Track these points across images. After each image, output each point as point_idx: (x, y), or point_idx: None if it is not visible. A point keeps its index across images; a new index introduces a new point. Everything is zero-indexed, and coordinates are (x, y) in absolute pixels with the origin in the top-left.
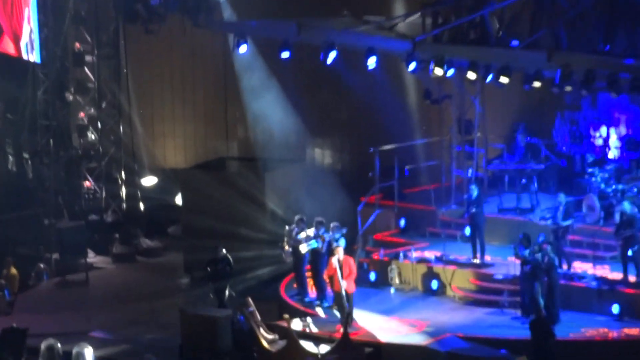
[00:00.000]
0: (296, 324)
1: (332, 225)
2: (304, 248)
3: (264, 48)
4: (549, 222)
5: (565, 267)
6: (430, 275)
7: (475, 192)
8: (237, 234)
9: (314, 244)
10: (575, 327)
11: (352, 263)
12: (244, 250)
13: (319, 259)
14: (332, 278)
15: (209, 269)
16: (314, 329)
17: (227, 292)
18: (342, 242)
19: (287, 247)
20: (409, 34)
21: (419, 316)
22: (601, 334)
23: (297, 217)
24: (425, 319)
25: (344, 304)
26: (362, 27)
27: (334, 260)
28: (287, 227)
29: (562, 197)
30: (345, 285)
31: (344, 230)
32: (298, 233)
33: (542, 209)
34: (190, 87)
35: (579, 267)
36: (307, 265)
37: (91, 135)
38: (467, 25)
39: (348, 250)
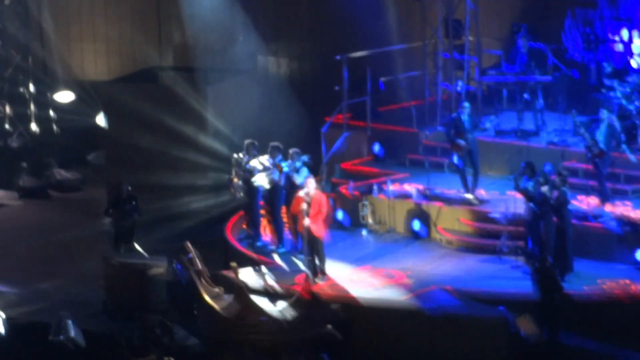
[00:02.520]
0: (246, 275)
1: (290, 151)
2: (261, 179)
3: None
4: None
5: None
6: (411, 214)
7: (467, 110)
8: (173, 162)
9: (271, 174)
10: (590, 279)
11: (323, 200)
12: (181, 182)
13: (276, 193)
14: (297, 217)
15: (110, 211)
16: (269, 281)
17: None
18: (304, 173)
19: (236, 180)
20: None
21: (397, 265)
22: (622, 287)
23: (247, 142)
24: (405, 269)
25: (309, 250)
26: None
27: (303, 195)
28: (235, 155)
29: (604, 114)
30: (308, 225)
31: (306, 158)
32: (248, 162)
33: (548, 132)
34: None
35: (594, 203)
36: (260, 201)
37: None
38: None
39: None
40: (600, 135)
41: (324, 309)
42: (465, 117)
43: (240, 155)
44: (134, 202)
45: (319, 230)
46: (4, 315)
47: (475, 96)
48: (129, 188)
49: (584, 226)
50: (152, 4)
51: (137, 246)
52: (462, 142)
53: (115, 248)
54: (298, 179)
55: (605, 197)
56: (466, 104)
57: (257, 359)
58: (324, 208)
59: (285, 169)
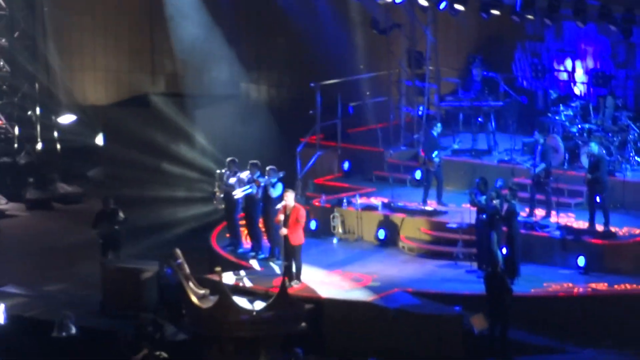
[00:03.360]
0: (229, 278)
1: (268, 168)
2: (238, 193)
3: None
4: (528, 165)
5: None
6: (377, 224)
7: (438, 129)
8: (164, 177)
9: (250, 189)
10: (537, 282)
11: (301, 212)
12: (171, 195)
13: (254, 205)
14: (275, 226)
15: (97, 225)
16: (249, 283)
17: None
18: (279, 187)
19: (218, 193)
20: None
21: (364, 269)
22: (565, 289)
23: (228, 160)
24: (372, 273)
25: (285, 256)
26: None
27: (281, 206)
28: (218, 171)
29: (539, 136)
30: (285, 233)
31: (282, 174)
32: (230, 177)
33: (500, 151)
34: (113, 16)
35: (540, 215)
36: (240, 212)
37: (2, 69)
38: None
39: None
40: (538, 157)
41: (298, 308)
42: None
43: (223, 171)
44: (118, 215)
45: (297, 238)
46: (3, 305)
47: (435, 119)
48: (113, 202)
49: (531, 235)
50: (146, 37)
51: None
52: (434, 158)
53: (104, 256)
54: (274, 193)
55: (549, 209)
56: (439, 124)
57: (239, 352)
58: (302, 219)
59: (262, 184)
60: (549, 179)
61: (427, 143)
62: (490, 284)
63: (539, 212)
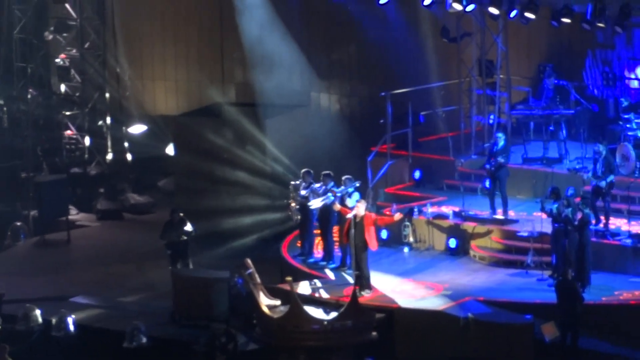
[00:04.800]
0: (300, 288)
1: (344, 178)
2: (316, 204)
3: None
4: (588, 175)
5: (602, 224)
6: (448, 232)
7: (502, 141)
8: (235, 187)
9: (327, 199)
10: (608, 290)
11: (373, 216)
12: (242, 205)
13: (329, 215)
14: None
15: (164, 235)
16: (320, 293)
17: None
18: (356, 197)
19: (293, 204)
20: None
21: (435, 278)
22: (637, 297)
23: (303, 171)
24: (443, 282)
25: (358, 266)
26: None
27: (351, 216)
28: (292, 182)
29: (602, 148)
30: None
31: (358, 184)
32: (305, 188)
33: (571, 159)
34: (183, 25)
35: (612, 223)
36: (314, 222)
37: (73, 79)
38: None
39: None
40: (600, 168)
41: (369, 317)
42: (499, 145)
43: (298, 182)
44: (186, 226)
45: (373, 244)
46: (74, 317)
47: (506, 128)
48: (181, 213)
49: (603, 243)
50: (217, 47)
51: (191, 264)
52: (487, 166)
53: (173, 266)
54: (350, 202)
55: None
56: (499, 134)
57: None
58: (374, 224)
59: (338, 194)
60: (610, 190)
61: (490, 152)
62: (562, 292)
63: (611, 221)
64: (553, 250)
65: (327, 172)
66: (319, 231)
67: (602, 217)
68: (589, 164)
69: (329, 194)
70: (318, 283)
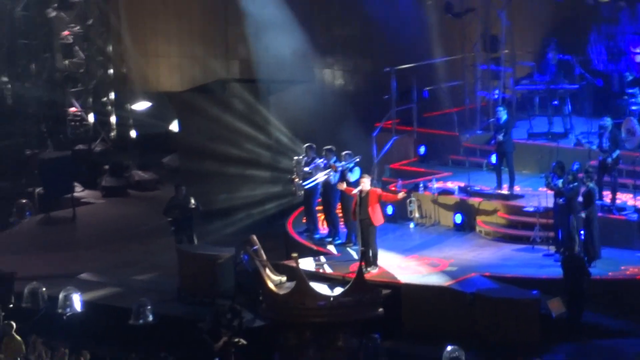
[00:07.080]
0: (306, 264)
1: (343, 153)
2: (319, 178)
3: None
4: (593, 147)
5: (608, 199)
6: (453, 208)
7: (504, 115)
8: (239, 163)
9: (328, 174)
10: (614, 265)
11: (378, 191)
12: (247, 182)
13: (332, 191)
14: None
15: (168, 212)
16: (326, 269)
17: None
18: (357, 172)
19: (297, 179)
20: None
21: (441, 254)
22: None
23: (306, 145)
24: (449, 257)
25: (364, 242)
26: None
27: (357, 192)
28: (295, 158)
29: (608, 122)
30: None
31: (358, 159)
32: (308, 163)
33: (576, 134)
34: (187, 1)
35: (618, 198)
36: (318, 198)
37: (77, 56)
38: None
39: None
40: (605, 142)
41: (375, 293)
42: (502, 120)
43: (301, 157)
44: (190, 203)
45: (377, 219)
46: (80, 294)
47: (510, 103)
48: (185, 190)
49: (609, 218)
50: (220, 23)
51: (195, 239)
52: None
53: (178, 242)
54: (352, 177)
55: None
56: (500, 108)
57: (316, 338)
58: (379, 200)
59: (339, 169)
60: (617, 165)
61: (495, 127)
62: (568, 267)
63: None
64: (558, 225)
65: (329, 147)
66: (321, 207)
67: (609, 193)
68: (595, 139)
69: (330, 170)
70: (321, 259)
